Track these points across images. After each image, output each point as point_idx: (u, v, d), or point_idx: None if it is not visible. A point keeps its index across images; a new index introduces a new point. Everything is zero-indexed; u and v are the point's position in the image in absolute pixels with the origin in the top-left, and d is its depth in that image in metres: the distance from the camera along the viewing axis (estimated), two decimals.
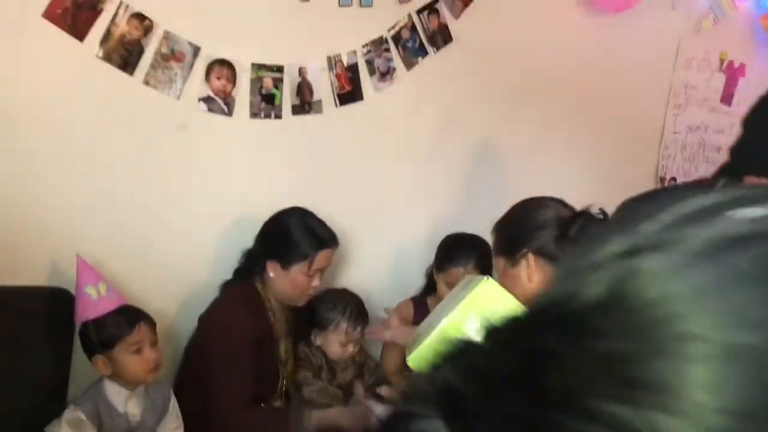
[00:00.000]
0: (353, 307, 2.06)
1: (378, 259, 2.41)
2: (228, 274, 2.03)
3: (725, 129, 3.39)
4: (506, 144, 2.64)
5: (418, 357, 1.19)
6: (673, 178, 3.26)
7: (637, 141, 3.08)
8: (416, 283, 2.31)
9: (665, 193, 1.72)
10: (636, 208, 1.40)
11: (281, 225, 1.94)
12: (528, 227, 1.41)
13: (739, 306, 0.31)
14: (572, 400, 0.31)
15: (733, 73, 3.34)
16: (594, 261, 0.35)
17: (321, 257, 1.91)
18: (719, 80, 3.30)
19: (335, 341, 2.02)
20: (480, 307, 1.17)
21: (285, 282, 1.91)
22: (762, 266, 0.31)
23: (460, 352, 0.40)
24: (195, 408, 1.82)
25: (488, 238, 2.26)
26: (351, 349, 2.05)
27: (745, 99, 3.38)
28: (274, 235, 1.94)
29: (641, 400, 0.30)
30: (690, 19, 3.07)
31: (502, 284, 1.37)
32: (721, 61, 3.28)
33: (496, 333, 0.39)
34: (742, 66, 3.35)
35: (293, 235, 1.91)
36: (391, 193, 2.43)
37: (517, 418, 0.32)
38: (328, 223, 2.00)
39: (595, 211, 1.41)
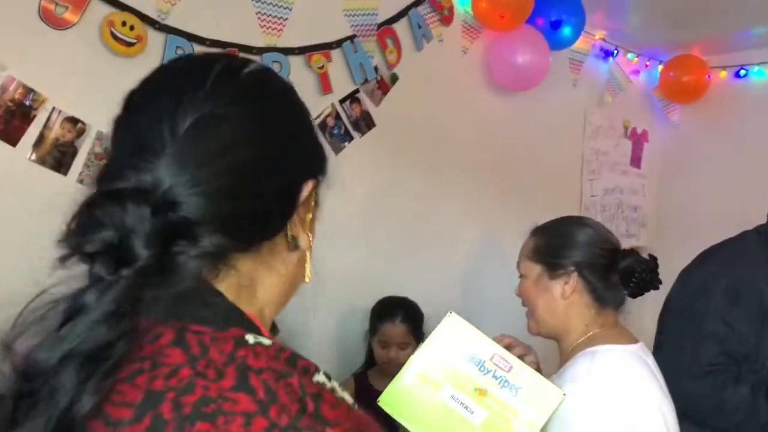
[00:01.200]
0: None
1: (318, 339, 2.45)
2: None
3: (638, 189, 3.66)
4: (437, 218, 2.78)
5: (387, 396, 1.21)
6: None
7: (559, 205, 3.26)
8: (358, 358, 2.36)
9: None
10: None
11: None
12: (578, 242, 1.37)
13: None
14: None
15: (637, 139, 3.64)
16: None
17: None
18: (626, 146, 3.59)
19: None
20: (452, 342, 1.21)
21: None
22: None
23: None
24: None
25: (428, 302, 2.36)
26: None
27: (652, 161, 3.68)
28: None
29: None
30: (592, 93, 3.37)
31: (527, 293, 1.40)
32: (626, 129, 3.58)
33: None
34: (645, 132, 3.66)
35: None
36: (331, 267, 2.50)
37: None
38: None
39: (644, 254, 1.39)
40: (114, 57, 2.00)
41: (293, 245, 0.74)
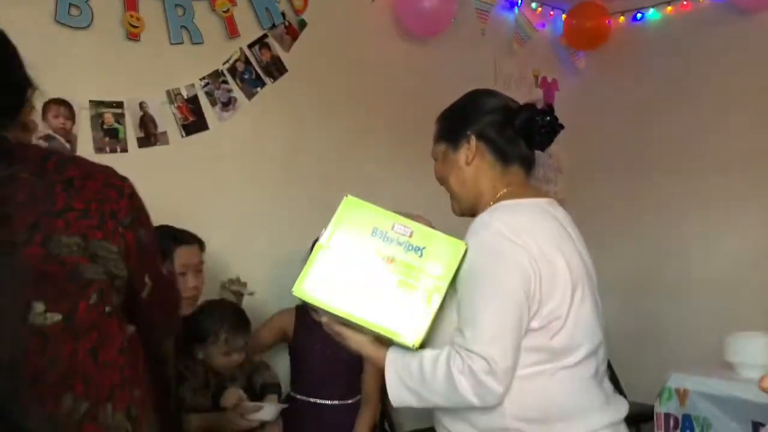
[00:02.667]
0: (231, 316, 2.08)
1: (254, 272, 2.47)
2: None
3: (557, 140, 3.80)
4: (354, 164, 2.82)
5: (300, 285, 1.26)
6: None
7: None
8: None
9: None
10: None
11: None
12: (474, 112, 1.40)
13: None
14: None
15: (548, 88, 3.78)
16: None
17: (181, 254, 1.92)
18: (537, 95, 3.72)
19: (217, 353, 2.01)
20: (352, 221, 1.28)
21: None
22: None
23: None
24: None
25: None
26: (235, 357, 2.04)
27: (563, 110, 3.81)
28: None
29: None
30: (501, 42, 3.48)
31: (440, 171, 1.43)
32: (536, 78, 3.71)
33: None
34: (555, 81, 3.81)
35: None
36: (248, 212, 2.53)
37: None
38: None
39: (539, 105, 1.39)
40: None
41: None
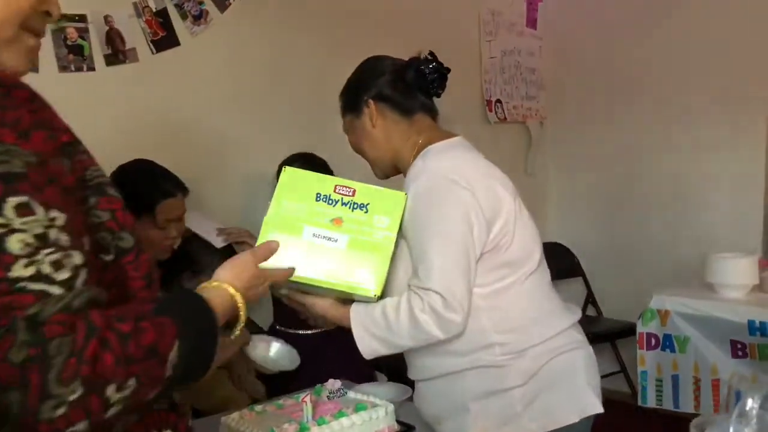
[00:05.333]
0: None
1: (229, 200, 2.39)
2: None
3: (535, 51, 3.69)
4: (337, 75, 2.69)
5: None
6: (498, 101, 3.50)
7: (457, 66, 3.23)
8: None
9: None
10: None
11: (122, 179, 1.77)
12: (366, 77, 1.49)
13: None
14: None
15: None
16: None
17: (164, 208, 1.80)
18: (521, 5, 3.59)
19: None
20: (294, 191, 1.32)
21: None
22: None
23: None
24: None
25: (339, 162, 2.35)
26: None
27: (548, 22, 3.71)
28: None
29: None
30: None
31: (353, 141, 1.51)
32: None
33: None
34: None
35: (135, 187, 1.73)
36: (231, 137, 2.43)
37: None
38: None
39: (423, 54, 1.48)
40: None
41: None
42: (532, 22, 3.65)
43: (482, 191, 1.34)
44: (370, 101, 1.46)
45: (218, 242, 2.01)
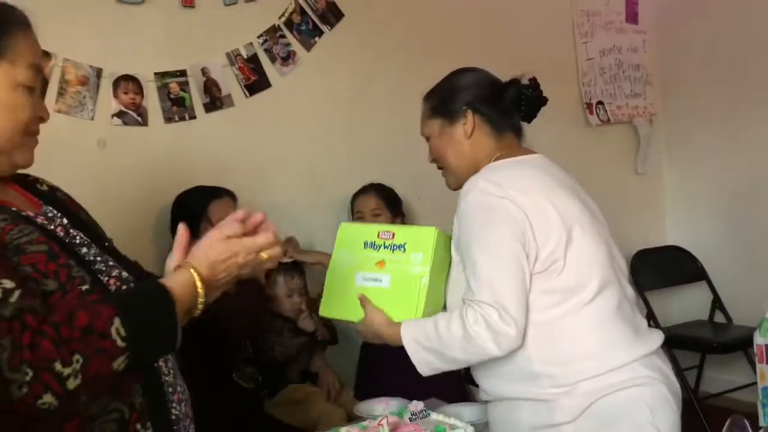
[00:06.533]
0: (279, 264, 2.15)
1: (321, 225, 2.52)
2: None
3: (638, 47, 3.53)
4: (416, 105, 2.75)
5: (323, 307, 1.54)
6: (600, 102, 3.38)
7: (554, 74, 3.17)
8: None
9: None
10: None
11: (179, 199, 2.11)
12: (466, 86, 1.49)
13: None
14: None
15: None
16: None
17: (215, 209, 2.01)
18: (619, 2, 3.45)
19: (281, 296, 2.14)
20: (348, 242, 1.51)
21: None
22: None
23: None
24: None
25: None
26: (297, 299, 2.17)
27: (650, 14, 3.53)
28: (174, 210, 2.11)
29: None
30: None
31: (435, 146, 1.52)
32: None
33: None
34: None
35: (187, 200, 2.07)
36: (320, 166, 2.56)
37: None
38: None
39: (524, 81, 1.49)
40: None
41: None
42: (632, 17, 3.50)
43: (535, 212, 1.31)
44: (469, 111, 1.45)
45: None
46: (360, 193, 2.45)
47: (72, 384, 0.84)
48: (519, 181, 1.36)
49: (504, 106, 1.46)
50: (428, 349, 1.33)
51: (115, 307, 0.89)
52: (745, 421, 1.11)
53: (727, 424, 1.03)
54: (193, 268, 0.97)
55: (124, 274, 1.05)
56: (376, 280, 1.44)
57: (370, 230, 1.49)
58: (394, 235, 1.45)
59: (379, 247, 1.45)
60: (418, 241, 1.42)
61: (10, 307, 0.84)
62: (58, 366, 0.83)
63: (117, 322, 0.87)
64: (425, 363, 1.34)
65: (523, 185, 1.35)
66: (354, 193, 2.46)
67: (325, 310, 1.53)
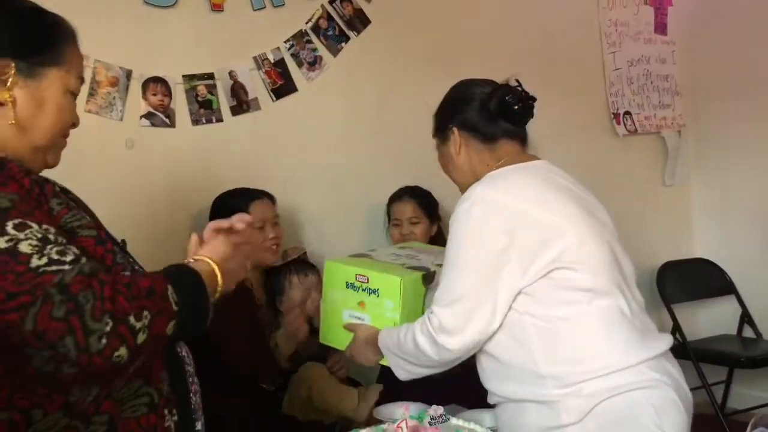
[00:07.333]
0: (291, 262, 2.22)
1: (349, 229, 2.52)
2: None
3: (667, 57, 3.49)
4: None
5: (322, 335, 1.73)
6: (627, 113, 3.35)
7: (580, 84, 3.18)
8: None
9: None
10: None
11: (218, 200, 2.14)
12: (454, 105, 1.54)
13: None
14: None
15: (659, 4, 3.46)
16: None
17: (256, 209, 2.05)
18: (648, 13, 3.42)
19: (300, 296, 2.12)
20: (333, 280, 1.66)
21: None
22: None
23: None
24: None
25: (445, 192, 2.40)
26: (315, 295, 2.12)
27: (679, 25, 3.49)
28: (214, 211, 2.11)
29: None
30: None
31: (441, 163, 1.59)
32: None
33: None
34: None
35: (228, 201, 2.07)
36: (347, 171, 2.57)
37: None
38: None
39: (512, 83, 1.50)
40: None
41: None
42: (661, 28, 3.47)
43: (527, 217, 1.32)
44: (455, 129, 1.50)
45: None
46: (396, 199, 2.44)
47: (141, 338, 0.89)
48: (516, 189, 1.38)
49: (490, 115, 1.46)
50: (396, 355, 1.45)
51: (165, 276, 0.98)
52: None
53: (751, 422, 1.01)
54: (208, 257, 1.06)
55: (141, 270, 1.11)
56: (359, 318, 1.61)
57: (348, 272, 1.62)
58: (368, 279, 1.58)
59: (358, 289, 1.60)
60: (387, 288, 1.55)
61: (87, 266, 0.89)
62: (132, 320, 0.88)
63: (170, 288, 0.95)
64: (399, 367, 1.46)
65: (520, 193, 1.37)
66: (390, 197, 2.47)
67: (324, 339, 1.73)
